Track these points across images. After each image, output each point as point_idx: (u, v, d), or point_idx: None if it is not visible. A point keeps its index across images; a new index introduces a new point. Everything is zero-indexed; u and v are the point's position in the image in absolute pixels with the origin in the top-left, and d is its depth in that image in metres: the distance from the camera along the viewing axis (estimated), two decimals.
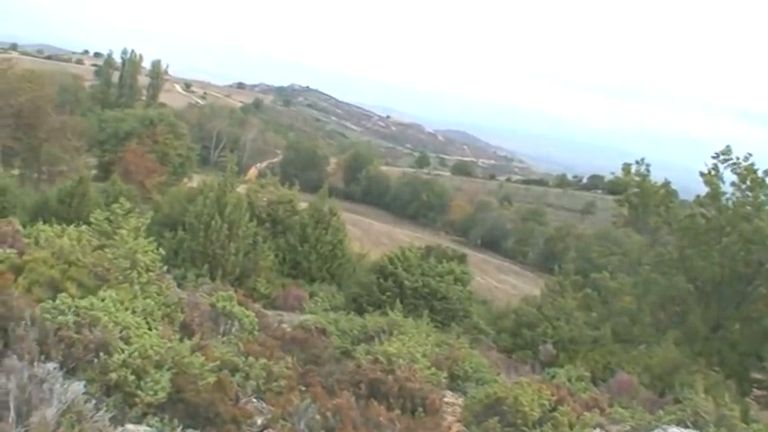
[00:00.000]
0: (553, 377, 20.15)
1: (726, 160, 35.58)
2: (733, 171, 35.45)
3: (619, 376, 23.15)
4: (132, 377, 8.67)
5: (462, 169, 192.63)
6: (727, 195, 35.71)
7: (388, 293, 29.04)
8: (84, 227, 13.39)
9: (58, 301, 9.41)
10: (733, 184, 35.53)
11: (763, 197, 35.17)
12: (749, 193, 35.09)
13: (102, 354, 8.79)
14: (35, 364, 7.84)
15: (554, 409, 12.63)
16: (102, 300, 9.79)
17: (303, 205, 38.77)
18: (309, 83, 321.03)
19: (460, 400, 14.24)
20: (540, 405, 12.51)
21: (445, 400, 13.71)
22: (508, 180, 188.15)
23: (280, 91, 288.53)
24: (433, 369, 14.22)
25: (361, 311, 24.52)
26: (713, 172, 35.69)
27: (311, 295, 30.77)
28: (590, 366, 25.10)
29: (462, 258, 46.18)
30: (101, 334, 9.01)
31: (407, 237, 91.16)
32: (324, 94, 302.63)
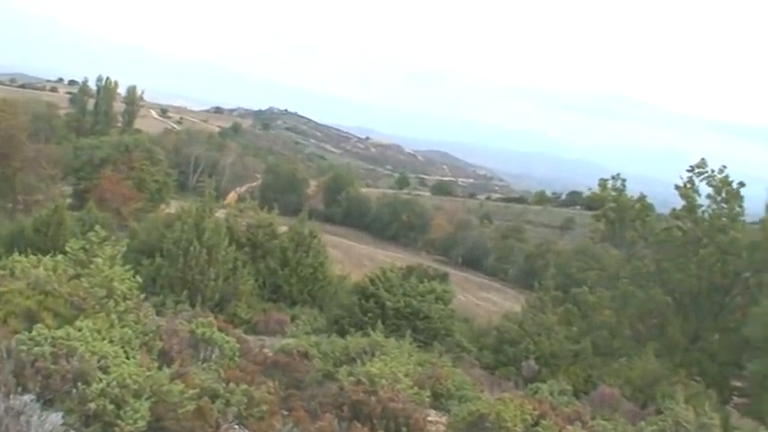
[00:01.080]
0: (536, 392, 20.20)
1: (701, 173, 35.91)
2: (708, 184, 35.78)
3: (600, 389, 23.25)
4: (111, 407, 8.63)
5: (442, 189, 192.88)
6: (703, 208, 36.02)
7: (370, 314, 29.00)
8: (59, 256, 13.32)
9: (34, 332, 9.36)
10: (709, 196, 35.85)
11: (738, 208, 35.51)
12: (724, 205, 35.43)
13: (80, 384, 8.75)
14: (11, 396, 7.80)
15: (536, 424, 12.68)
16: (79, 329, 9.74)
17: (283, 229, 38.65)
18: (288, 105, 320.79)
19: (444, 419, 14.24)
20: (523, 420, 12.55)
21: (429, 419, 13.70)
22: (488, 198, 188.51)
23: (258, 114, 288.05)
24: (416, 388, 14.21)
25: (343, 333, 24.45)
26: (688, 185, 36.03)
27: (292, 319, 30.63)
28: (572, 380, 25.17)
29: (444, 277, 46.27)
30: (78, 364, 8.97)
31: (388, 257, 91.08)
32: (302, 116, 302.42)
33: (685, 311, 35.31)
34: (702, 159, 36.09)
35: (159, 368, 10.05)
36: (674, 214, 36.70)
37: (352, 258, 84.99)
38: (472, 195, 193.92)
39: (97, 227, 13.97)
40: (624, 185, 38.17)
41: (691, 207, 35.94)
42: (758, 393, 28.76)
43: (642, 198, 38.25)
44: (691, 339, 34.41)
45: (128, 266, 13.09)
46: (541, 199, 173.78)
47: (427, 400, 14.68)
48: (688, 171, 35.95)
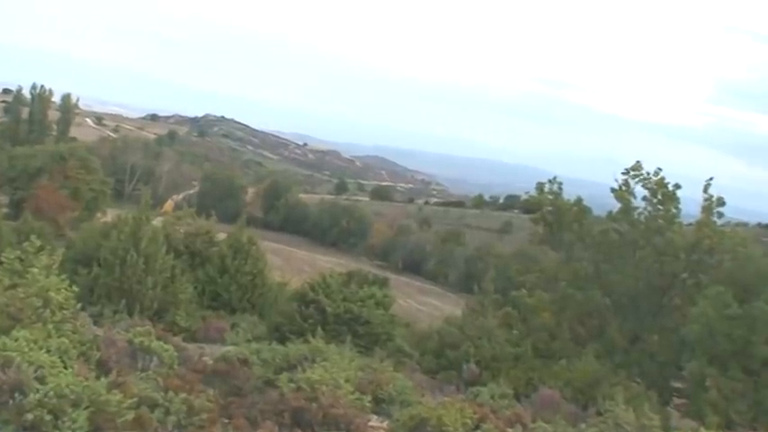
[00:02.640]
0: (477, 396, 20.30)
1: (636, 176, 36.42)
2: (644, 186, 36.30)
3: (541, 391, 23.45)
4: (49, 417, 8.51)
5: (381, 194, 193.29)
6: (640, 210, 36.52)
7: (311, 321, 28.94)
8: None
9: None
10: (645, 198, 36.36)
11: (674, 210, 36.08)
12: (660, 207, 35.97)
13: (17, 394, 8.62)
14: None
15: (477, 428, 12.75)
16: (16, 340, 9.60)
17: (221, 236, 38.41)
18: (224, 112, 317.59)
19: (385, 424, 14.27)
20: (464, 424, 12.62)
21: (370, 424, 13.72)
22: (427, 203, 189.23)
23: (194, 121, 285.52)
24: (358, 394, 14.22)
25: (283, 340, 24.37)
26: (624, 187, 36.51)
27: (233, 326, 30.41)
28: (513, 383, 25.32)
29: (384, 282, 46.29)
30: (15, 374, 8.83)
31: (329, 263, 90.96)
32: (239, 123, 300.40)
33: (624, 313, 35.77)
34: (638, 162, 36.60)
35: (97, 378, 9.93)
36: (611, 217, 37.16)
37: (291, 265, 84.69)
38: (411, 200, 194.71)
39: (33, 237, 13.78)
40: (561, 189, 38.53)
41: (627, 209, 36.40)
42: (697, 394, 29.21)
43: (579, 201, 38.67)
44: (630, 340, 34.86)
45: (64, 276, 12.93)
46: (479, 203, 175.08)
47: (368, 405, 14.68)
48: (624, 174, 36.43)
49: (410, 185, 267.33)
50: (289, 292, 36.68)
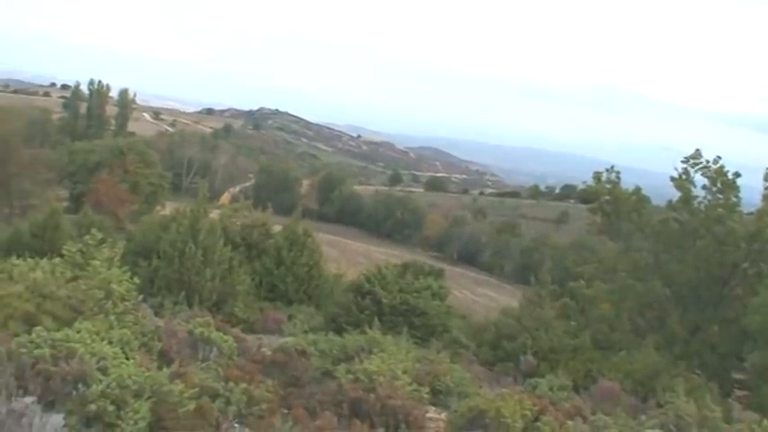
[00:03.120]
0: (535, 387, 20.14)
1: (696, 164, 35.90)
2: (703, 174, 35.77)
3: (601, 383, 23.20)
4: (112, 408, 8.60)
5: (435, 185, 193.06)
6: (699, 199, 36.00)
7: (367, 312, 28.95)
8: (57, 259, 13.30)
9: (33, 335, 9.34)
10: (704, 187, 35.84)
11: (734, 199, 35.50)
12: (720, 196, 35.42)
13: (80, 385, 8.72)
14: (13, 398, 7.77)
15: (537, 419, 12.65)
16: (78, 331, 9.72)
17: (277, 228, 38.64)
18: (279, 105, 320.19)
19: (443, 415, 14.22)
20: (523, 416, 12.53)
21: (428, 415, 13.68)
22: (481, 194, 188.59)
23: (249, 115, 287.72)
24: (415, 385, 14.20)
25: (340, 331, 24.42)
26: (684, 176, 36.00)
27: (290, 317, 30.60)
28: (571, 375, 25.07)
29: (439, 273, 46.27)
30: (78, 366, 8.94)
31: (384, 254, 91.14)
32: (293, 116, 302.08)
33: (684, 303, 35.30)
34: (697, 150, 36.07)
35: (159, 368, 10.04)
36: (671, 206, 36.65)
37: (347, 256, 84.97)
38: (465, 191, 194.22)
39: (94, 230, 13.95)
40: (619, 178, 38.06)
41: (687, 198, 35.90)
42: (759, 386, 28.72)
43: (638, 190, 38.16)
44: (690, 331, 34.39)
45: (125, 268, 13.08)
46: (535, 193, 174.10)
47: (426, 396, 14.66)
48: (683, 162, 35.93)
49: (464, 176, 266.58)
50: (345, 283, 36.76)
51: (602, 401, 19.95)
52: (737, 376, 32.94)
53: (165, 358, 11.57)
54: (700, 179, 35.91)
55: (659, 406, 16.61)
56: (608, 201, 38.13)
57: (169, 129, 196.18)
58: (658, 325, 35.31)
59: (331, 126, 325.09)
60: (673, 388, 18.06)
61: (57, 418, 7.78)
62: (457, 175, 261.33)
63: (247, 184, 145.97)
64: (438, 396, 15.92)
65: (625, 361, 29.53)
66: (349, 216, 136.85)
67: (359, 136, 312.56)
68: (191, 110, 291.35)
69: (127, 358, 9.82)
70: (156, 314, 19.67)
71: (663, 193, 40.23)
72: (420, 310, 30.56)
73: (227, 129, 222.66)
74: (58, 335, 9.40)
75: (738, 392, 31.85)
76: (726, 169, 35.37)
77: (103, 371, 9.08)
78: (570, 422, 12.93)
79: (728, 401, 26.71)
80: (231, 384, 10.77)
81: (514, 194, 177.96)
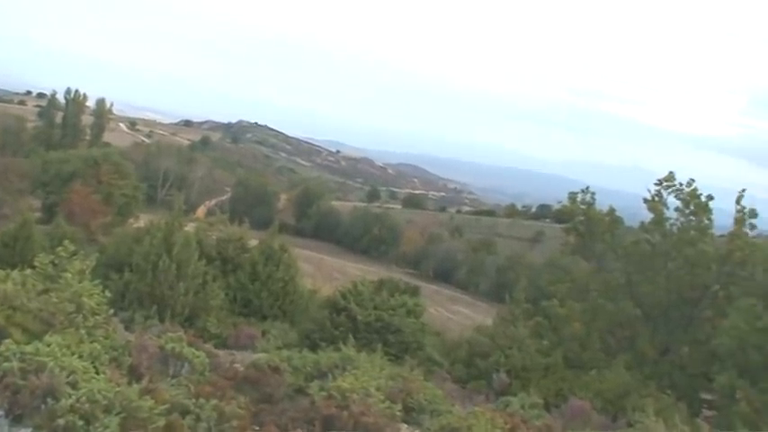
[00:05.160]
0: (507, 405, 20.21)
1: (669, 186, 36.22)
2: (677, 197, 36.08)
3: (572, 402, 23.30)
4: (81, 423, 8.56)
5: (413, 202, 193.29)
6: (672, 221, 36.31)
7: (341, 328, 28.95)
8: (28, 271, 13.22)
9: (2, 348, 9.29)
10: (677, 209, 36.14)
11: (706, 221, 35.84)
12: (693, 218, 35.74)
13: (49, 400, 8.68)
14: None
15: None
16: (48, 345, 9.67)
17: (253, 242, 38.55)
18: (258, 118, 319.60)
19: None
20: None
21: None
22: (458, 211, 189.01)
23: (228, 128, 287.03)
24: (388, 402, 14.19)
25: (314, 348, 24.41)
26: (657, 198, 36.31)
27: (263, 333, 30.52)
28: (543, 393, 25.18)
29: (415, 291, 46.26)
30: (47, 380, 8.90)
31: (360, 271, 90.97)
32: (272, 129, 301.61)
33: (655, 324, 35.56)
34: (671, 173, 36.41)
35: (129, 384, 10.00)
36: (643, 227, 36.96)
37: (323, 272, 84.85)
38: (443, 208, 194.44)
39: (66, 241, 13.88)
40: (594, 199, 38.32)
41: (659, 220, 36.20)
42: (727, 406, 28.94)
43: (612, 211, 38.46)
44: (660, 352, 34.63)
45: (96, 281, 13.02)
46: (512, 212, 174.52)
47: (399, 414, 14.65)
48: (656, 184, 36.27)
49: (442, 194, 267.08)
50: (320, 299, 36.72)
51: (573, 420, 20.04)
52: (706, 396, 33.15)
53: (135, 373, 11.52)
54: (673, 201, 36.22)
55: (629, 425, 16.74)
56: (582, 221, 38.37)
57: (145, 140, 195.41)
58: (629, 345, 35.53)
59: (310, 141, 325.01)
60: (642, 407, 18.20)
61: None
62: (435, 193, 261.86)
63: (224, 197, 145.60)
64: (411, 413, 15.91)
65: (596, 380, 29.71)
66: (326, 232, 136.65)
67: (338, 151, 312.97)
68: (168, 121, 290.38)
69: (97, 373, 9.77)
70: (127, 328, 19.61)
71: (633, 213, 40.60)
72: (395, 327, 30.57)
73: (205, 141, 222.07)
74: (28, 348, 9.35)
75: (707, 412, 32.04)
76: (699, 192, 35.72)
77: (73, 385, 9.04)
78: None
79: (697, 421, 26.81)
80: (202, 401, 10.74)
81: (491, 213, 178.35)
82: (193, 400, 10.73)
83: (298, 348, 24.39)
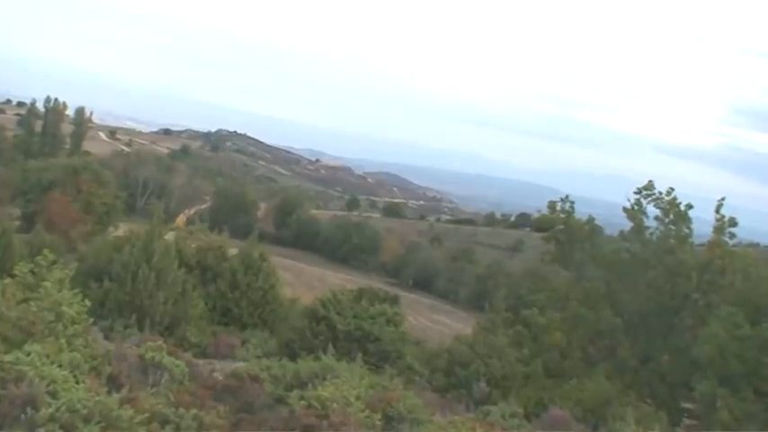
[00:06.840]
0: (487, 415, 20.24)
1: (649, 195, 36.38)
2: (656, 205, 36.24)
3: (552, 411, 23.35)
4: None
5: (392, 211, 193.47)
6: (651, 229, 36.46)
7: (321, 337, 28.92)
8: (7, 280, 13.16)
9: None
10: (656, 218, 36.30)
11: (686, 230, 36.01)
12: (672, 227, 35.90)
13: (29, 409, 8.65)
14: None
15: None
16: (28, 354, 9.64)
17: (233, 251, 38.46)
18: (237, 127, 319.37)
19: None
20: None
21: None
22: (438, 220, 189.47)
23: (207, 137, 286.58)
24: (368, 411, 14.20)
25: (294, 357, 24.36)
26: (636, 207, 36.44)
27: (243, 342, 30.45)
28: (523, 402, 25.24)
29: (394, 300, 46.20)
30: (27, 389, 8.87)
31: (339, 280, 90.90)
32: (252, 138, 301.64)
33: (635, 332, 35.64)
34: (650, 181, 36.53)
35: (108, 393, 9.96)
36: (623, 236, 37.08)
37: (302, 281, 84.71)
38: (422, 217, 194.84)
39: (45, 250, 13.84)
40: (573, 208, 38.42)
41: (639, 229, 36.32)
42: (707, 415, 29.05)
43: (591, 220, 38.55)
44: (641, 360, 34.69)
45: (76, 290, 12.98)
46: (491, 220, 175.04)
47: (379, 423, 14.66)
48: (636, 193, 36.40)
49: (422, 202, 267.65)
50: (299, 308, 36.67)
51: (553, 429, 20.10)
52: (686, 405, 33.27)
53: (115, 383, 11.48)
54: (652, 210, 36.37)
55: None
56: (562, 230, 38.45)
57: (125, 148, 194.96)
58: (609, 354, 35.59)
59: (290, 149, 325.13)
60: (623, 416, 18.30)
61: None
62: (414, 201, 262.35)
63: (203, 206, 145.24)
64: (391, 423, 15.91)
65: (576, 389, 29.76)
66: (305, 240, 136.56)
67: (317, 160, 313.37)
68: (148, 130, 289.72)
69: (77, 382, 9.74)
70: (107, 337, 19.53)
71: (612, 222, 40.75)
72: (374, 337, 30.55)
73: (185, 150, 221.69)
74: (8, 357, 9.32)
75: (687, 421, 32.18)
76: (678, 201, 35.88)
77: (53, 395, 9.01)
78: None
79: (677, 430, 27.01)
80: (182, 410, 10.72)
81: (470, 222, 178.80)
82: (173, 410, 10.71)
83: (277, 357, 24.37)
